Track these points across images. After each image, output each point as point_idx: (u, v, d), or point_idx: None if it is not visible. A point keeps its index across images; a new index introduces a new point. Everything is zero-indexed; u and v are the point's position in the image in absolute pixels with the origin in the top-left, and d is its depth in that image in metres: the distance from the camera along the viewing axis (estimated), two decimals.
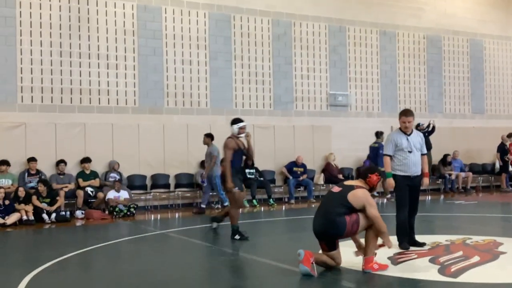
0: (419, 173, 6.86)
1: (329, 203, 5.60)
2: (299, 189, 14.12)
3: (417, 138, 6.91)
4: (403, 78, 16.15)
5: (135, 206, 11.40)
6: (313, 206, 13.01)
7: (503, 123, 17.25)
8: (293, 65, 14.62)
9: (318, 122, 14.81)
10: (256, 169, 13.60)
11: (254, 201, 12.90)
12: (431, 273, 5.47)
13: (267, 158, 13.97)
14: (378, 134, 14.09)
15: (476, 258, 6.08)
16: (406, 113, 6.87)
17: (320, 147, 14.65)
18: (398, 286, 5.25)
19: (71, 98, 12.04)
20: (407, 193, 6.74)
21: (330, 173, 14.49)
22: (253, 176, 13.38)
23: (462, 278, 5.24)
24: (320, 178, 14.58)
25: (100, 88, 12.33)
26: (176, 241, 8.18)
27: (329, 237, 5.56)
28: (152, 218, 11.08)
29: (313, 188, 14.05)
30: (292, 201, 13.61)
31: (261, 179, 13.51)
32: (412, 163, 6.72)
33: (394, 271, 5.57)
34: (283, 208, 12.76)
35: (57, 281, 5.67)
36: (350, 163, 15.14)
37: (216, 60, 13.60)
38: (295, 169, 14.02)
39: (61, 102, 11.97)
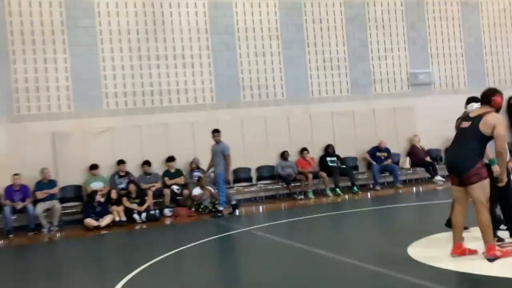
0: None
1: (462, 139, 5.63)
2: (384, 174, 13.72)
3: None
4: (489, 49, 15.13)
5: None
6: (400, 191, 12.61)
7: None
8: (369, 47, 14.14)
9: (399, 103, 14.26)
10: (338, 156, 13.37)
11: (337, 189, 12.71)
12: None
13: (348, 145, 13.68)
14: None
15: None
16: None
17: (403, 130, 14.12)
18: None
19: (152, 100, 12.43)
20: None
21: (417, 156, 13.94)
22: (334, 164, 13.18)
23: None
24: (406, 162, 14.08)
25: (178, 88, 12.61)
26: (261, 239, 8.15)
27: (457, 170, 5.56)
28: (237, 213, 11.20)
29: (399, 173, 13.59)
30: (378, 187, 13.24)
31: (343, 166, 13.26)
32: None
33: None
34: (368, 196, 12.45)
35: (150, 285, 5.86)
36: (438, 144, 14.44)
37: (289, 49, 13.43)
38: (378, 154, 13.62)
39: (143, 105, 12.38)
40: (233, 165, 12.73)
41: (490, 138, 5.46)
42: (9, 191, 10.98)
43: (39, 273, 7.34)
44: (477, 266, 5.29)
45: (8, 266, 8.32)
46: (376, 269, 5.57)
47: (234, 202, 11.10)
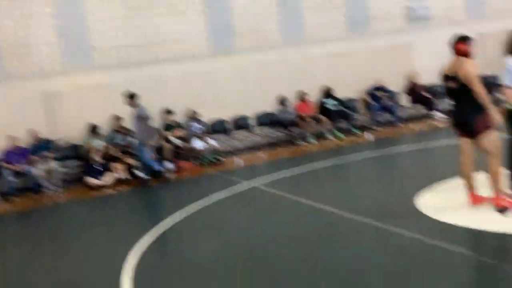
0: None
1: (458, 99, 5.60)
2: (383, 113, 13.58)
3: None
4: None
5: (220, 155, 11.51)
6: (400, 131, 12.51)
7: None
8: None
9: (397, 40, 13.93)
10: (337, 99, 13.19)
11: (337, 132, 12.63)
12: None
13: (346, 86, 13.47)
14: None
15: None
16: None
17: (401, 67, 13.86)
18: None
19: (144, 52, 12.00)
20: None
21: (416, 92, 13.76)
22: (334, 107, 13.02)
23: None
24: (405, 100, 13.93)
25: (171, 38, 12.17)
26: (267, 196, 8.02)
27: (466, 127, 5.57)
28: (239, 163, 11.10)
29: (398, 110, 13.48)
30: (377, 127, 13.13)
31: (343, 109, 13.12)
32: None
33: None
34: (369, 138, 12.32)
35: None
36: (437, 79, 14.20)
37: None
38: (377, 93, 13.45)
39: (135, 58, 11.93)
40: (232, 113, 12.60)
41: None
42: (8, 154, 10.88)
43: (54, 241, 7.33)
44: (487, 220, 5.27)
45: (17, 233, 8.33)
46: (385, 227, 5.49)
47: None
